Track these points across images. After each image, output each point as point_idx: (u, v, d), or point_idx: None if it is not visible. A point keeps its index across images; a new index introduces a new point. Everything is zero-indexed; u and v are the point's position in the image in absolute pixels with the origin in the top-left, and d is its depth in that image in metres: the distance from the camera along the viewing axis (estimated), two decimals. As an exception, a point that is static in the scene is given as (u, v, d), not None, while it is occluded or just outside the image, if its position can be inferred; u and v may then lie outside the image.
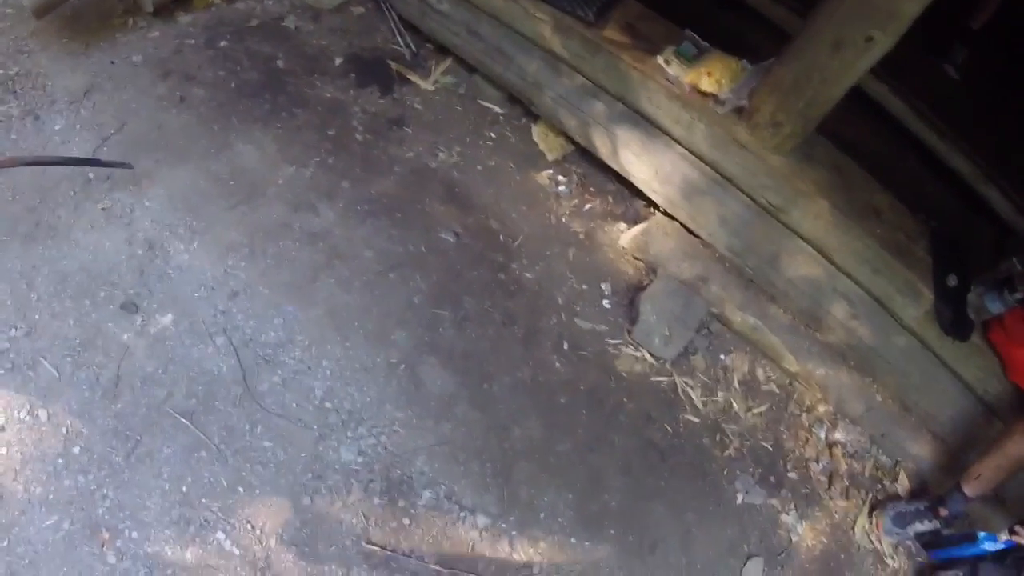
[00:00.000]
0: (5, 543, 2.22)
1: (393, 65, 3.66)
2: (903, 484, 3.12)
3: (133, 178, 2.95)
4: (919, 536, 2.97)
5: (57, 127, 3.01)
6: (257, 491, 2.47)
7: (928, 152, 3.24)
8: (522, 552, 2.60)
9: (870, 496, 3.08)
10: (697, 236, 3.31)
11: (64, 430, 2.42)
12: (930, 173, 3.31)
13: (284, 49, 3.57)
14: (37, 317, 2.60)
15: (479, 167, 3.46)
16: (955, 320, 2.81)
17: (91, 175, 2.92)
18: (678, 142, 3.06)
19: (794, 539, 2.92)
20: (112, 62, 3.25)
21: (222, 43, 3.48)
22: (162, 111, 3.18)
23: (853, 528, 3.00)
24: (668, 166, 3.15)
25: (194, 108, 3.23)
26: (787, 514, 2.96)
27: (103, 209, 2.87)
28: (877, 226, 2.85)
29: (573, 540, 2.67)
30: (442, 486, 2.64)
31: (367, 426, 2.67)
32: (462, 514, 2.61)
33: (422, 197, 3.28)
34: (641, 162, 3.24)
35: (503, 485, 2.70)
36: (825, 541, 2.96)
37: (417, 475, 2.63)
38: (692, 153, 3.05)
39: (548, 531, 2.66)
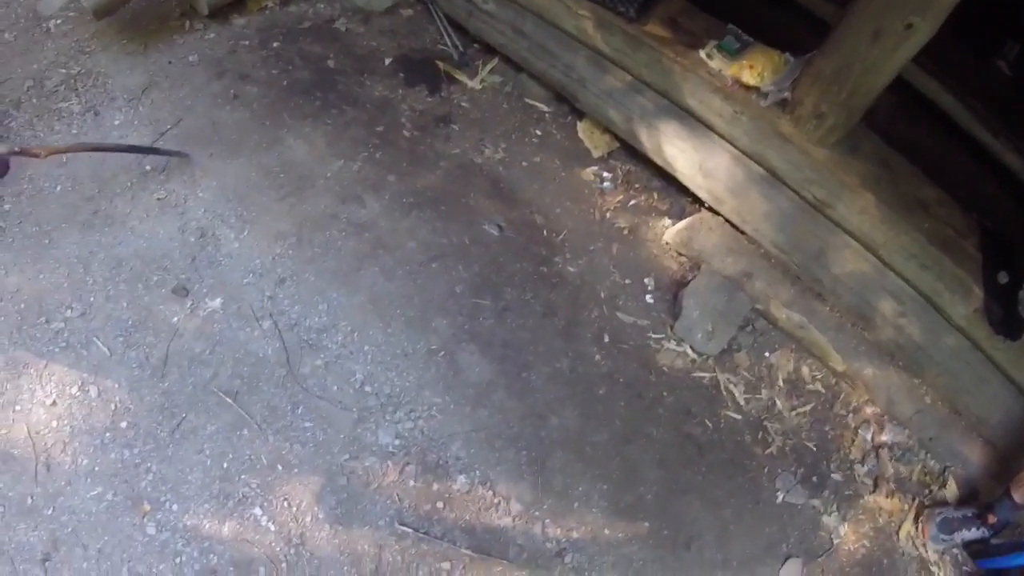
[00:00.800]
0: (50, 511, 2.33)
1: (441, 65, 3.72)
2: (951, 490, 3.00)
3: (188, 170, 3.07)
4: (966, 544, 2.86)
5: (116, 122, 3.16)
6: (295, 469, 2.53)
7: (981, 150, 3.16)
8: (554, 540, 2.60)
9: (916, 501, 2.97)
10: (742, 231, 3.28)
11: (113, 406, 2.53)
12: (984, 171, 3.22)
13: (335, 50, 3.67)
14: (92, 299, 2.73)
15: (524, 163, 3.49)
16: (1005, 319, 2.73)
17: (148, 167, 3.05)
18: (722, 136, 3.04)
19: (835, 541, 2.85)
20: (169, 62, 3.40)
21: (275, 44, 3.60)
22: (217, 108, 3.30)
23: (898, 533, 2.91)
24: (712, 160, 3.14)
25: (247, 105, 3.35)
26: (829, 516, 2.89)
27: (158, 199, 2.99)
28: (925, 220, 2.79)
29: (607, 531, 2.66)
30: (477, 471, 2.66)
31: (405, 410, 2.71)
32: (496, 500, 2.63)
33: (467, 191, 3.33)
34: (685, 157, 3.24)
35: (538, 473, 2.71)
36: (868, 545, 2.87)
37: (453, 460, 2.66)
38: (736, 147, 3.03)
39: (581, 521, 2.65)
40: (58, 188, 2.96)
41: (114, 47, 3.40)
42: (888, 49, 2.41)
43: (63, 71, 3.30)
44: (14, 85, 3.23)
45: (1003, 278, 2.75)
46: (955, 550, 2.90)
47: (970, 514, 2.85)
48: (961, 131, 3.19)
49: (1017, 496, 2.72)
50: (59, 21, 3.48)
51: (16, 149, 2.74)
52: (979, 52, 3.31)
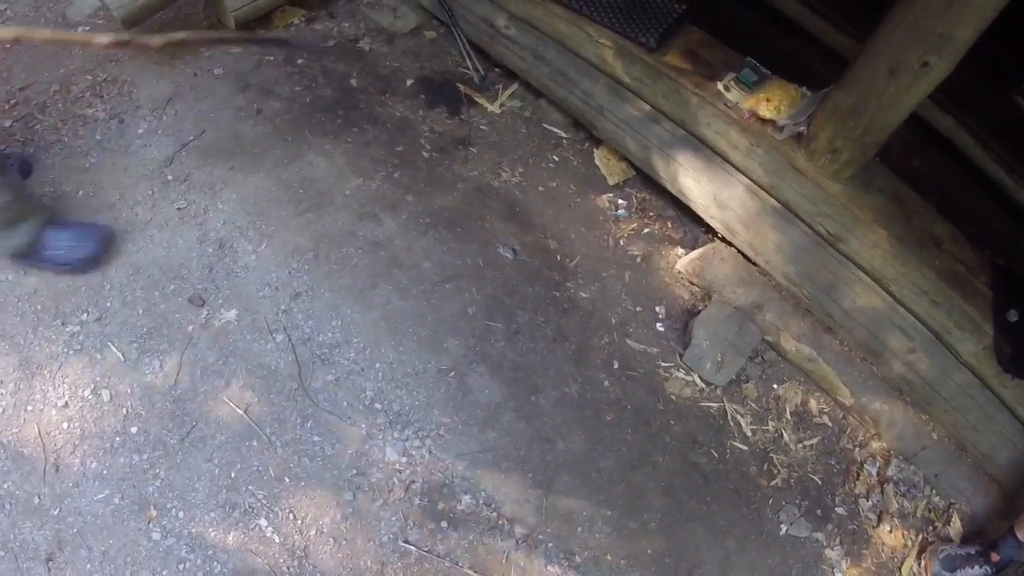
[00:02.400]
0: (57, 511, 2.35)
1: (462, 88, 3.77)
2: (955, 527, 3.00)
3: (209, 181, 3.10)
4: (968, 582, 2.86)
5: (140, 131, 3.19)
6: (302, 482, 2.55)
7: (995, 186, 3.17)
8: (557, 565, 2.60)
9: (920, 537, 2.97)
10: (754, 263, 3.30)
11: (124, 411, 2.55)
12: (997, 208, 3.23)
13: (358, 69, 3.72)
14: (109, 304, 2.75)
15: (540, 188, 3.52)
16: (1015, 357, 2.73)
17: (170, 177, 3.09)
18: (737, 168, 3.07)
19: (837, 575, 2.85)
20: (195, 74, 3.45)
21: (299, 61, 3.65)
22: (239, 121, 3.34)
23: (900, 569, 2.90)
24: (726, 192, 3.16)
25: (270, 120, 3.39)
26: (832, 549, 2.88)
27: (179, 209, 3.03)
28: (937, 257, 2.81)
29: (609, 556, 2.65)
30: (482, 493, 2.67)
31: (413, 428, 2.72)
32: (500, 522, 2.63)
33: (483, 214, 3.35)
34: (700, 187, 3.26)
35: (543, 496, 2.71)
36: (870, 580, 2.88)
37: (459, 480, 2.67)
38: (750, 179, 3.05)
39: (584, 546, 2.65)
40: (80, 193, 2.99)
41: (141, 56, 3.44)
42: (904, 86, 2.43)
43: (89, 77, 3.35)
44: (40, 89, 3.28)
45: (1013, 316, 2.76)
46: (957, 588, 2.89)
47: (974, 551, 2.83)
48: (975, 167, 3.21)
49: (1021, 534, 2.71)
50: (87, 28, 3.54)
51: (125, 39, 2.60)
52: (996, 85, 3.32)
